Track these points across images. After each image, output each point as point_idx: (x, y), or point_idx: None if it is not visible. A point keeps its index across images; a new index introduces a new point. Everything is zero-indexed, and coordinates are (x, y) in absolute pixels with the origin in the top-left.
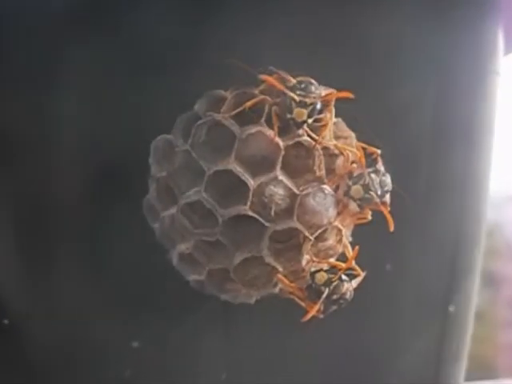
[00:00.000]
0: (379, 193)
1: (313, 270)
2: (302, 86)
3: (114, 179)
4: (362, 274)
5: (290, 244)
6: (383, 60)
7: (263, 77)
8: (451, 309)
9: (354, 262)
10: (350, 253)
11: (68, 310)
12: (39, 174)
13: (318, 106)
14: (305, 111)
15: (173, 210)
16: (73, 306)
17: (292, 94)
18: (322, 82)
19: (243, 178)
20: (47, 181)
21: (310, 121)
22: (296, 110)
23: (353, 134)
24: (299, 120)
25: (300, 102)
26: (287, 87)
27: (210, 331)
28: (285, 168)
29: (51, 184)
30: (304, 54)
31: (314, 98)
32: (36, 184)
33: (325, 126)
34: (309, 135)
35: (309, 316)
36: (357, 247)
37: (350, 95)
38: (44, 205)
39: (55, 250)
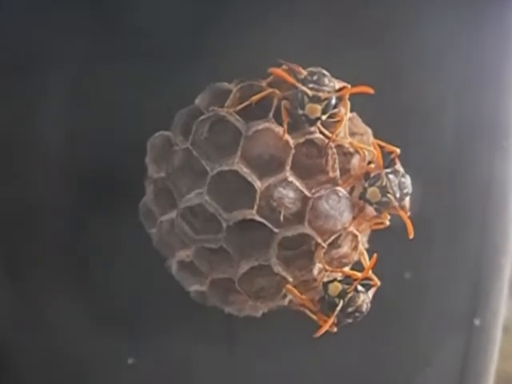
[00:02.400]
0: (398, 195)
1: (326, 280)
2: (315, 78)
3: (107, 181)
4: (378, 284)
5: (300, 252)
6: (403, 52)
7: (271, 69)
8: (477, 322)
9: (370, 271)
10: (367, 261)
11: (58, 325)
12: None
13: (333, 101)
14: (319, 107)
15: (172, 215)
16: (63, 321)
17: (304, 88)
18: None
19: (250, 179)
20: (34, 183)
21: (324, 117)
22: (309, 106)
23: (369, 131)
24: (312, 116)
25: (313, 96)
26: (298, 80)
27: (212, 347)
28: (295, 168)
29: (38, 188)
30: (315, 46)
31: (329, 92)
32: (21, 188)
33: (339, 121)
34: (321, 132)
35: (322, 331)
36: (375, 255)
37: (370, 90)
38: (31, 210)
39: (43, 261)
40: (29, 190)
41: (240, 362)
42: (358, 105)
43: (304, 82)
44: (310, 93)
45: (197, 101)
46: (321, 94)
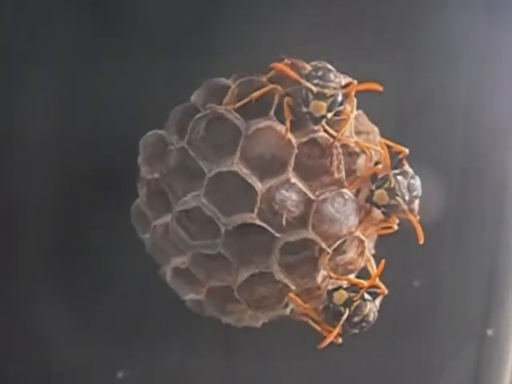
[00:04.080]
0: (407, 198)
1: (330, 287)
2: (320, 73)
3: (96, 182)
4: (386, 292)
5: (303, 258)
6: (413, 50)
7: (273, 64)
8: (489, 332)
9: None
10: (374, 267)
11: (45, 336)
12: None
13: (339, 98)
14: (324, 104)
15: (166, 218)
16: (49, 333)
17: (309, 84)
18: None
19: (250, 180)
20: (21, 183)
21: (329, 115)
22: (313, 103)
23: (376, 129)
24: (317, 114)
25: (318, 93)
26: (302, 75)
27: (208, 360)
28: (298, 169)
29: (24, 188)
30: (319, 41)
31: (335, 88)
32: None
33: (345, 120)
34: (326, 131)
35: (327, 342)
36: (383, 261)
37: (379, 87)
38: (15, 215)
39: (30, 269)
40: (15, 190)
41: (238, 374)
42: (364, 102)
43: (308, 77)
44: (315, 89)
45: (192, 97)
46: (326, 91)
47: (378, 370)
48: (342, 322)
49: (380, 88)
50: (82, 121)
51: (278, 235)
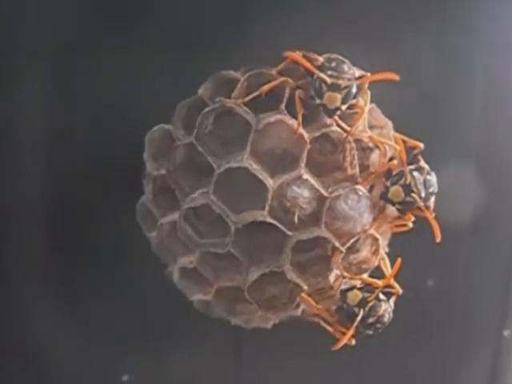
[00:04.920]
0: (423, 195)
1: (344, 287)
2: (333, 64)
3: (100, 179)
4: (400, 292)
5: (316, 256)
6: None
7: (287, 53)
8: (506, 333)
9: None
10: (388, 267)
11: (47, 340)
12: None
13: (354, 90)
14: (338, 96)
15: (173, 216)
16: (52, 335)
17: (322, 75)
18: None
19: (260, 176)
20: (18, 182)
21: (343, 107)
22: (328, 95)
23: (390, 123)
24: (331, 106)
25: (332, 84)
26: (315, 66)
27: (217, 363)
28: (310, 165)
29: (21, 187)
30: (330, 34)
31: (349, 79)
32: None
33: (358, 113)
34: (339, 125)
35: (341, 344)
36: (399, 260)
37: (395, 77)
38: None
39: (31, 269)
40: (13, 189)
41: (247, 377)
42: (378, 95)
43: (322, 68)
44: (329, 80)
45: (200, 91)
46: (341, 82)
47: (391, 372)
48: (356, 323)
49: (396, 77)
50: (84, 116)
51: (289, 233)
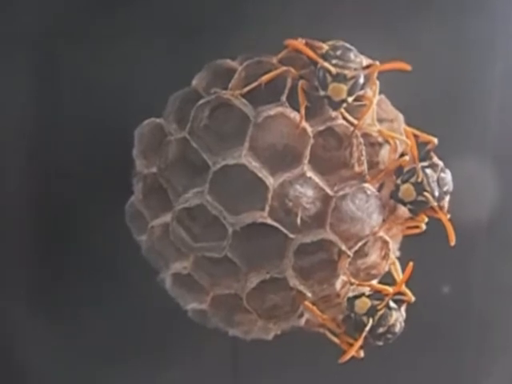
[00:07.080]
0: (436, 194)
1: (351, 295)
2: (338, 52)
3: (86, 177)
4: (412, 300)
5: (320, 261)
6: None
7: (287, 41)
8: None
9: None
10: (399, 272)
11: (36, 353)
12: None
13: (361, 81)
14: (344, 87)
15: (165, 218)
16: (41, 349)
17: (326, 64)
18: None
19: (260, 174)
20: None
21: (350, 99)
22: (332, 86)
23: (400, 116)
24: (337, 98)
25: (338, 74)
26: (318, 55)
27: (213, 377)
28: (314, 162)
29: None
30: (335, 22)
31: (356, 69)
32: None
33: (366, 105)
34: (345, 118)
35: (348, 356)
36: (411, 264)
37: (406, 66)
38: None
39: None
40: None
41: None
42: (387, 86)
43: (326, 57)
44: (334, 70)
45: (194, 82)
46: (346, 72)
47: None
48: (364, 334)
49: (408, 66)
50: (74, 110)
51: (291, 236)
